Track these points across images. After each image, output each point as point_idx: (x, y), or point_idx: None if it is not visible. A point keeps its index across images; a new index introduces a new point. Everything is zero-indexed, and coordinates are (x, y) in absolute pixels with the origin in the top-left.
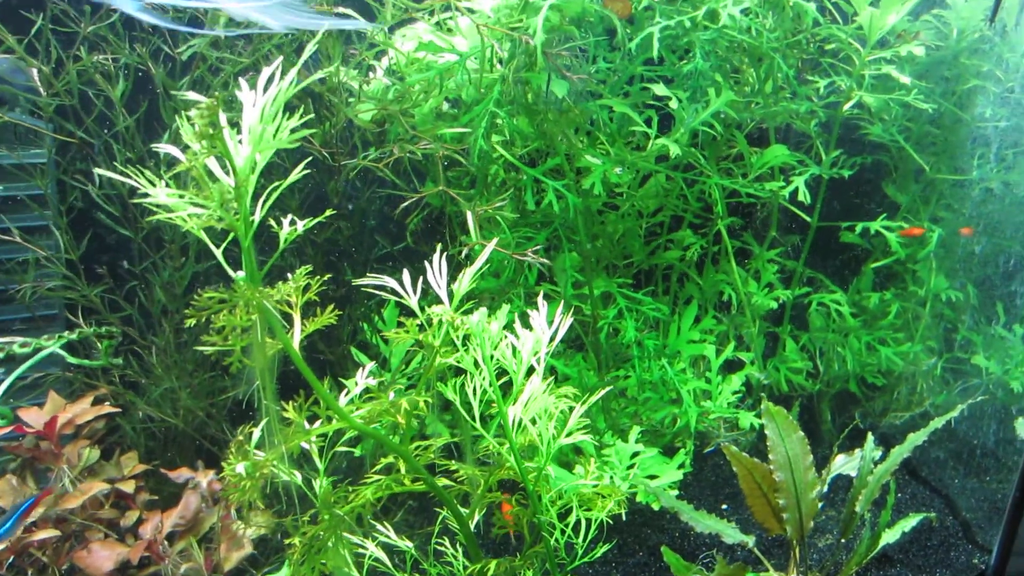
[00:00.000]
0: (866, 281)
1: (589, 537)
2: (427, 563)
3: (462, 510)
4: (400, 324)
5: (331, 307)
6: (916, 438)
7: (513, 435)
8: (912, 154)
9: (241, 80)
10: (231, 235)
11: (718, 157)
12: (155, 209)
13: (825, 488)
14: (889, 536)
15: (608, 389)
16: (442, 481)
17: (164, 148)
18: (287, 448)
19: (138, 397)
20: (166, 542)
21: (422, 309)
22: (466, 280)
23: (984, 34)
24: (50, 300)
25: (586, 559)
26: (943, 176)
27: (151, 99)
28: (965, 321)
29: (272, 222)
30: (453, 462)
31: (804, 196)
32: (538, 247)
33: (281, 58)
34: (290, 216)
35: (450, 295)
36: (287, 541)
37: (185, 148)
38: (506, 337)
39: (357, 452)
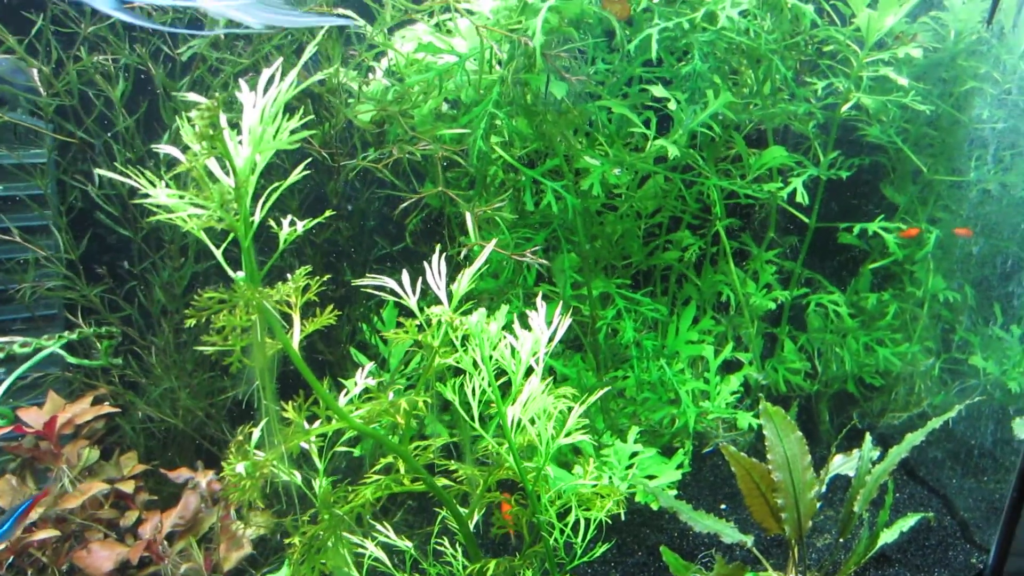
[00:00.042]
0: (864, 282)
1: (588, 537)
2: (427, 563)
3: (461, 510)
4: (399, 324)
5: (330, 307)
6: (914, 438)
7: (512, 435)
8: (910, 155)
9: (241, 81)
10: (231, 236)
11: (716, 158)
12: (155, 209)
13: (823, 488)
14: (887, 536)
15: (607, 389)
16: (441, 481)
17: (164, 149)
18: (287, 448)
19: (137, 397)
20: (166, 542)
21: (421, 310)
22: (465, 280)
23: (981, 36)
24: (50, 300)
25: (585, 559)
26: (941, 177)
27: (151, 100)
28: (963, 322)
29: (272, 223)
30: (452, 462)
31: (802, 197)
32: (537, 248)
33: (281, 59)
34: (290, 217)
35: (449, 296)
36: (287, 541)
37: (185, 149)
38: (505, 337)
39: (356, 452)
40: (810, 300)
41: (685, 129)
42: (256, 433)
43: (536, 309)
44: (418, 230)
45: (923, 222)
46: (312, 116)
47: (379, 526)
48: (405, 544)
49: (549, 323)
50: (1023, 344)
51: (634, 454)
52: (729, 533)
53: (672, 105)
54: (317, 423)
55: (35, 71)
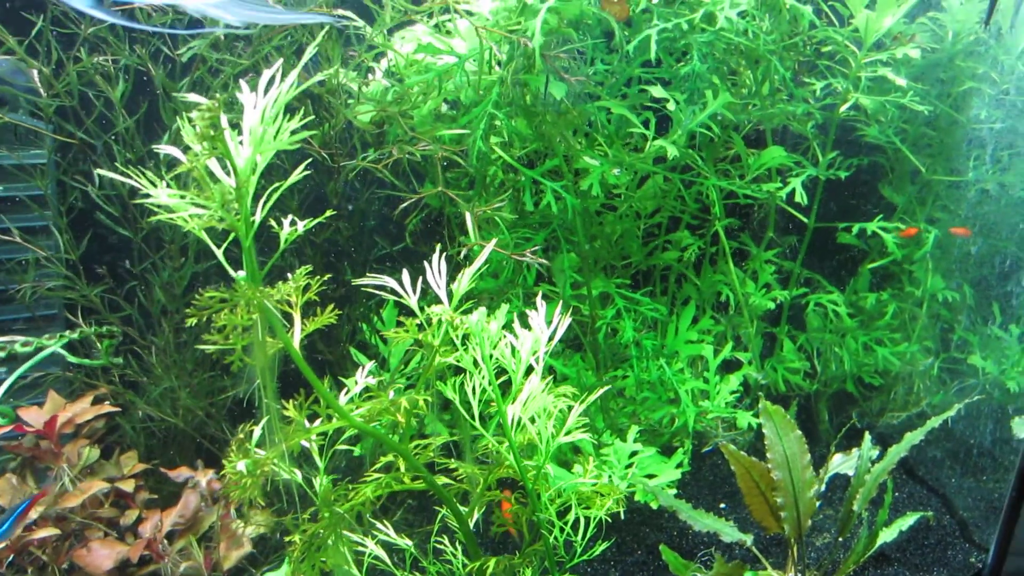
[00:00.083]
0: (863, 282)
1: (588, 535)
2: (426, 561)
3: (461, 509)
4: (399, 324)
5: (331, 307)
6: (913, 437)
7: (512, 433)
8: (908, 155)
9: (242, 82)
10: (231, 236)
11: (715, 158)
12: (156, 209)
13: (822, 487)
14: (886, 535)
15: (606, 389)
16: (441, 480)
17: (165, 149)
18: (288, 446)
19: (138, 396)
20: (166, 541)
21: (421, 309)
22: (465, 280)
23: (979, 37)
24: (50, 300)
25: (585, 556)
26: (939, 177)
27: (151, 100)
28: (961, 321)
29: (272, 222)
30: (452, 461)
31: (801, 197)
32: (536, 247)
33: (281, 60)
34: (290, 216)
35: (449, 295)
36: (287, 539)
37: (186, 149)
38: (505, 337)
39: (356, 452)
40: (809, 300)
41: (684, 129)
42: (257, 431)
43: (536, 309)
44: (418, 230)
45: (921, 222)
46: (312, 117)
47: (379, 524)
48: (405, 543)
49: (549, 322)
50: (1022, 343)
51: (634, 453)
52: (728, 532)
53: (671, 105)
54: (318, 422)
55: (35, 72)
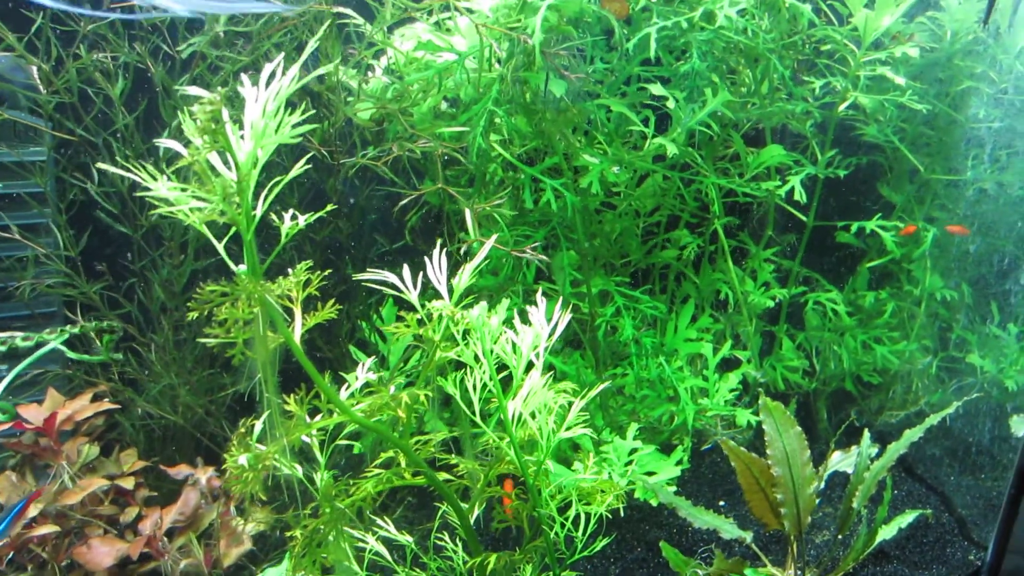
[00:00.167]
0: (862, 280)
1: (588, 532)
2: (427, 557)
3: (462, 504)
4: (400, 318)
5: (332, 302)
6: (912, 434)
7: (513, 429)
8: (907, 154)
9: (243, 76)
10: (230, 232)
11: (715, 157)
12: (158, 203)
13: (822, 485)
14: (885, 532)
15: (605, 385)
16: (442, 476)
17: (167, 143)
18: (289, 441)
19: (137, 394)
20: (166, 538)
21: (422, 306)
22: (466, 275)
23: (978, 36)
24: (49, 297)
25: (585, 553)
26: (937, 176)
27: (150, 97)
28: (960, 320)
29: (274, 216)
30: (453, 457)
31: (800, 196)
32: (536, 245)
33: (283, 54)
34: (291, 211)
35: (450, 290)
36: (288, 534)
37: (187, 144)
38: (505, 332)
39: (356, 449)
40: (808, 298)
41: (683, 127)
42: (258, 426)
43: (535, 306)
44: (417, 227)
45: (920, 221)
46: (313, 112)
47: (379, 521)
48: (406, 539)
49: (549, 319)
50: (1020, 342)
51: (633, 451)
52: (728, 529)
53: (670, 103)
54: (318, 417)
55: (35, 69)
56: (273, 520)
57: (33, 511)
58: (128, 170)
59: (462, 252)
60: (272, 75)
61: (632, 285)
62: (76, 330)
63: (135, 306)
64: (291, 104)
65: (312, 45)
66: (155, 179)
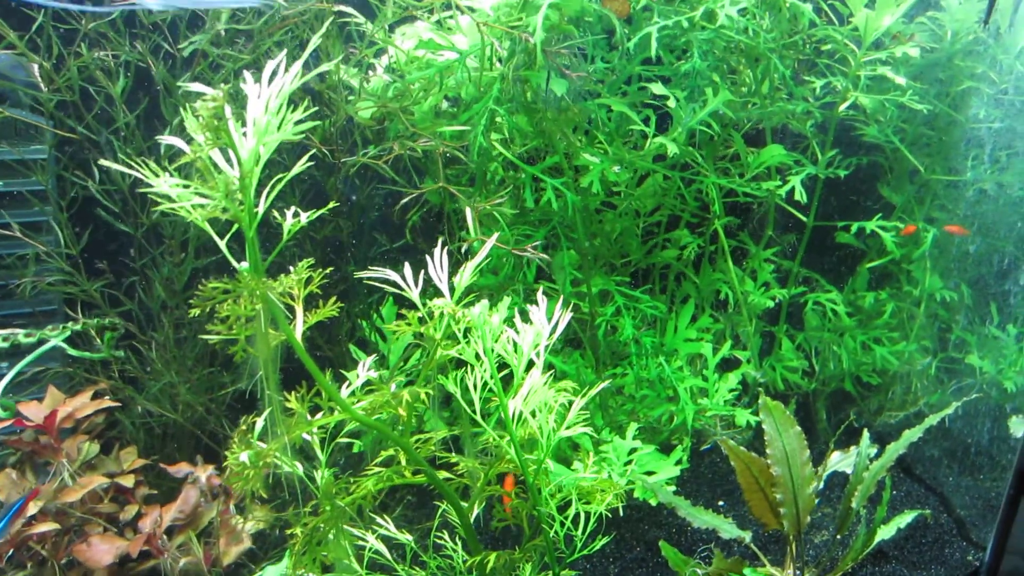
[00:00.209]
0: (861, 281)
1: (588, 531)
2: (426, 556)
3: (462, 503)
4: (401, 316)
5: (333, 299)
6: (912, 435)
7: (513, 427)
8: (907, 155)
9: (246, 73)
10: (232, 230)
11: (715, 156)
12: (160, 200)
13: (821, 485)
14: (884, 532)
15: (605, 384)
16: (442, 474)
17: (170, 140)
18: (290, 438)
19: (137, 392)
20: (165, 536)
21: (423, 304)
22: (467, 273)
23: (978, 36)
24: (49, 295)
25: (585, 552)
26: (937, 177)
27: (152, 96)
28: (959, 321)
29: (276, 213)
30: (453, 455)
31: (800, 196)
32: (537, 244)
33: (285, 51)
34: (293, 208)
35: (451, 289)
36: (288, 532)
37: (190, 141)
38: (506, 331)
39: (356, 448)
40: (808, 299)
41: (684, 127)
42: (259, 423)
43: (536, 305)
44: (418, 226)
45: (920, 221)
46: (315, 109)
47: (379, 519)
48: (406, 538)
49: (550, 318)
50: (1019, 343)
51: (633, 450)
52: (727, 529)
53: (671, 103)
54: (319, 415)
55: (36, 67)
56: (273, 518)
57: (33, 509)
58: (130, 167)
59: (463, 251)
60: (274, 72)
61: (632, 285)
62: (78, 327)
63: (135, 304)
64: (293, 102)
65: (314, 43)
66: (157, 176)
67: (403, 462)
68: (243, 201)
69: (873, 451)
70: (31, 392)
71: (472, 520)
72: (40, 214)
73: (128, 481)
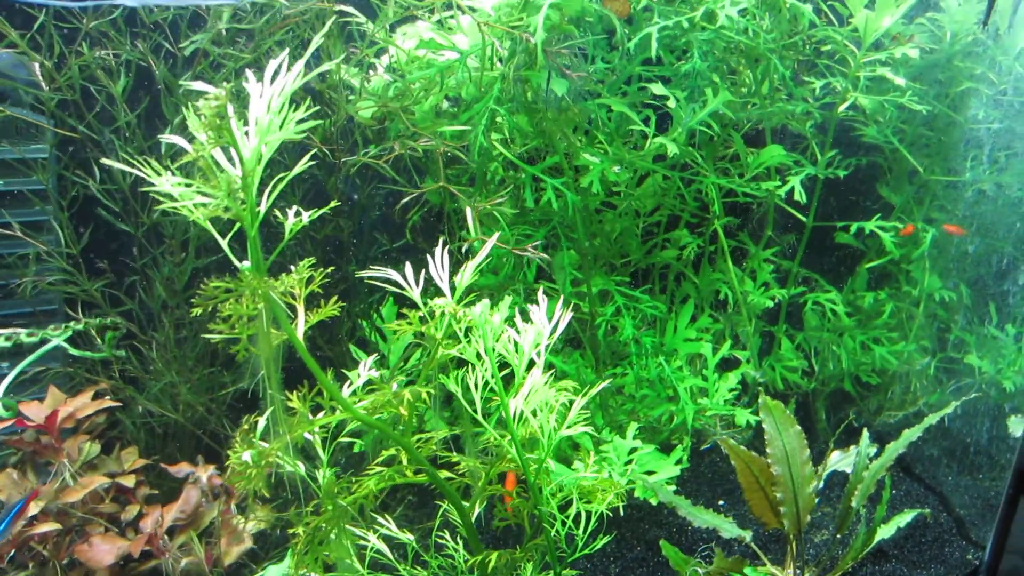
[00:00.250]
0: (860, 281)
1: (588, 530)
2: (428, 555)
3: (463, 503)
4: (402, 316)
5: (334, 299)
6: (911, 434)
7: (515, 426)
8: (906, 155)
9: (249, 72)
10: (234, 228)
11: (715, 157)
12: (162, 199)
13: (821, 484)
14: (884, 532)
15: (605, 384)
16: (443, 474)
17: (172, 139)
18: (292, 437)
19: (138, 392)
20: (166, 536)
21: (424, 303)
22: (468, 272)
23: (977, 37)
24: (49, 295)
25: (586, 551)
26: (937, 177)
27: (152, 95)
28: (958, 321)
29: (277, 213)
30: (454, 455)
31: (800, 196)
32: (537, 243)
33: (287, 50)
34: (295, 207)
35: (452, 288)
36: (290, 531)
37: (191, 140)
38: (507, 330)
39: (357, 447)
40: (807, 299)
41: (684, 127)
42: (261, 423)
43: (537, 305)
44: (419, 226)
45: (919, 222)
46: (317, 108)
47: (380, 519)
48: (407, 537)
49: (550, 318)
50: (1018, 343)
51: (633, 450)
52: (727, 528)
53: (671, 103)
54: (321, 414)
55: (37, 66)
56: (274, 518)
57: (34, 509)
58: (132, 166)
59: (463, 251)
60: (277, 72)
61: (632, 285)
62: (80, 326)
63: (136, 304)
64: (294, 102)
65: (316, 42)
66: (159, 175)
67: (404, 461)
68: (245, 200)
69: (873, 450)
70: (32, 392)
71: (473, 519)
72: (41, 213)
73: (129, 481)
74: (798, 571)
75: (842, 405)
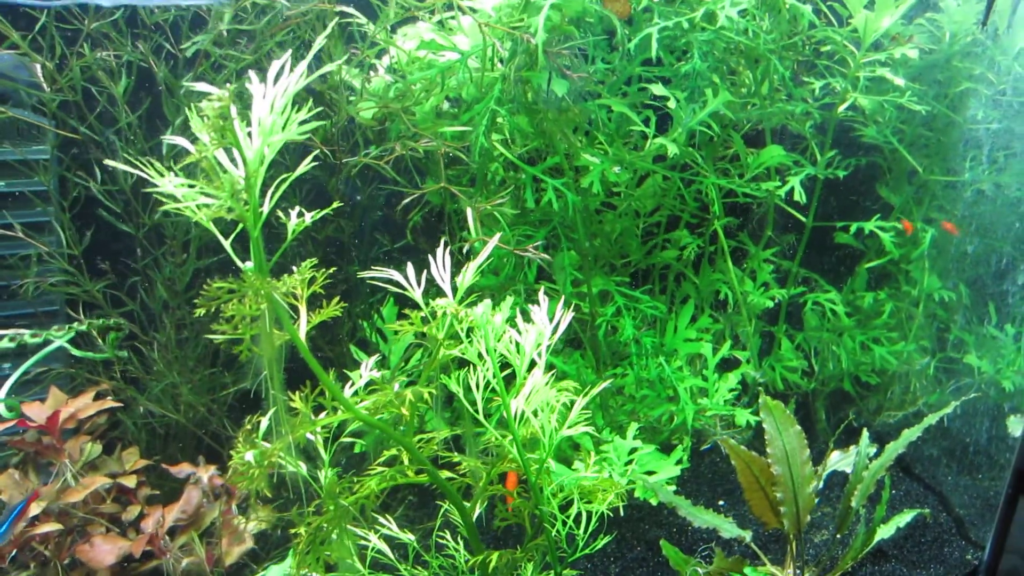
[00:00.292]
0: (860, 281)
1: (589, 530)
2: (429, 555)
3: (464, 503)
4: (403, 316)
5: (336, 299)
6: (911, 434)
7: (516, 426)
8: (905, 155)
9: (251, 73)
10: (237, 229)
11: (715, 157)
12: (164, 200)
13: (821, 484)
14: (884, 532)
15: (606, 384)
16: (444, 474)
17: (174, 140)
18: (294, 438)
19: (139, 393)
20: (167, 536)
21: (425, 304)
22: (470, 273)
23: (976, 37)
24: (51, 296)
25: (586, 551)
26: (936, 177)
27: (154, 96)
28: (957, 321)
29: (280, 213)
30: (455, 455)
31: (800, 196)
32: (537, 244)
33: (290, 51)
34: (297, 208)
35: (453, 288)
36: (292, 531)
37: (194, 140)
38: (508, 330)
39: (358, 448)
40: (807, 299)
41: (684, 128)
42: (264, 423)
43: (538, 305)
44: (419, 227)
45: (918, 222)
46: (318, 110)
47: (382, 519)
48: (408, 537)
49: (551, 318)
50: (1017, 343)
51: (633, 450)
52: (728, 528)
53: (671, 104)
54: (323, 414)
55: (38, 67)
56: (275, 518)
57: (36, 509)
58: (134, 167)
59: (464, 251)
60: (279, 73)
61: (632, 285)
62: (83, 327)
63: (137, 304)
64: (296, 102)
65: (318, 43)
66: (162, 176)
67: (406, 462)
68: (248, 201)
69: (872, 450)
70: (33, 392)
71: (474, 519)
72: (42, 214)
73: (130, 481)
74: (798, 571)
75: (842, 405)
